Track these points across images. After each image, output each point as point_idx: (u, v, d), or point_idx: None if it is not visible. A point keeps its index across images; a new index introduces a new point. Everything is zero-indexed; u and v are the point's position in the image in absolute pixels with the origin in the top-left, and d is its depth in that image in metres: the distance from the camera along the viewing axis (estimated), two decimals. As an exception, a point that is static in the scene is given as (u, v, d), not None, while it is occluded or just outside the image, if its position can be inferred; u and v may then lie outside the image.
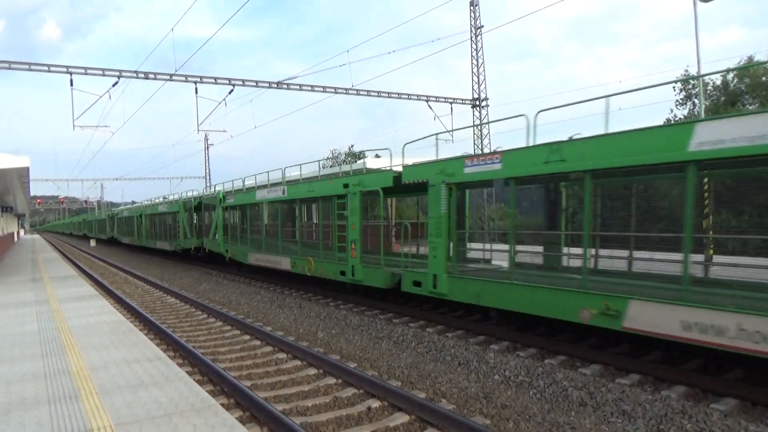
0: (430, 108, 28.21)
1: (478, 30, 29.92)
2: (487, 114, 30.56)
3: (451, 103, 29.20)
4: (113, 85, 21.43)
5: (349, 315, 12.04)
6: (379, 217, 12.80)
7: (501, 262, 10.77)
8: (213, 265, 24.13)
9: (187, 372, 7.04)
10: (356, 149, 52.29)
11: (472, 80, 30.39)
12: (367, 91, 26.67)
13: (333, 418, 6.30)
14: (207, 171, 55.39)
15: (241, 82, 23.63)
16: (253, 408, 6.36)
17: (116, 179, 68.23)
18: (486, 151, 16.46)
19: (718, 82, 26.52)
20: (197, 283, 20.46)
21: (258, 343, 10.25)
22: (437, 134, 11.25)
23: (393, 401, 6.60)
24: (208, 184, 47.28)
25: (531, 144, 8.45)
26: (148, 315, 12.77)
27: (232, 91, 23.37)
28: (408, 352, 9.27)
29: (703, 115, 18.58)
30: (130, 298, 16.46)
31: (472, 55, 30.23)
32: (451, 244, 10.18)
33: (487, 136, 29.80)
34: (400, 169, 11.46)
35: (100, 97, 21.54)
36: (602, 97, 7.82)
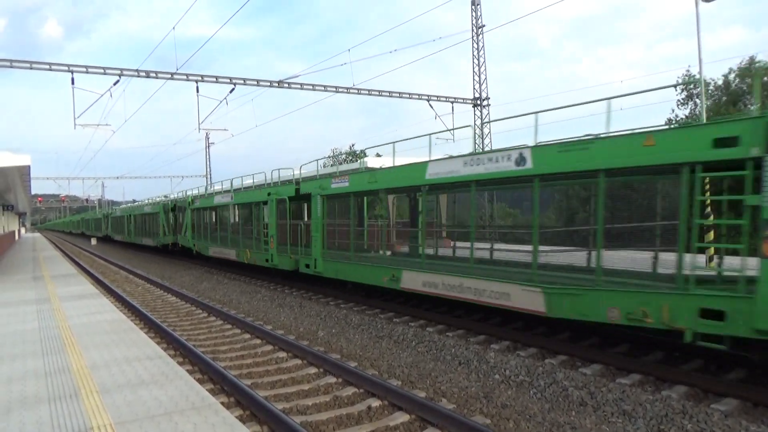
0: (431, 107, 28.23)
1: (480, 29, 29.90)
2: (488, 113, 30.57)
3: (452, 102, 29.19)
4: (114, 84, 21.47)
5: (349, 314, 12.05)
6: (287, 218, 16.46)
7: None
8: (213, 264, 24.19)
9: (187, 370, 7.04)
10: (357, 148, 52.36)
11: (473, 79, 30.40)
12: (369, 90, 26.67)
13: (333, 417, 6.30)
14: (208, 170, 55.41)
15: (242, 81, 23.63)
16: (254, 407, 6.36)
17: (117, 178, 68.29)
18: (486, 149, 18.34)
19: (720, 82, 26.48)
20: (198, 281, 20.47)
21: (258, 341, 10.25)
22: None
23: (393, 400, 6.60)
24: (208, 183, 47.33)
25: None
26: (148, 313, 12.78)
27: (233, 90, 23.37)
28: (408, 352, 9.27)
29: (704, 116, 18.55)
30: (131, 296, 16.47)
31: (473, 55, 30.22)
32: (324, 238, 14.31)
33: (488, 135, 29.79)
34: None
35: (102, 95, 21.58)
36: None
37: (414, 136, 12.80)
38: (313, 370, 8.23)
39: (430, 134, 11.59)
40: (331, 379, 7.69)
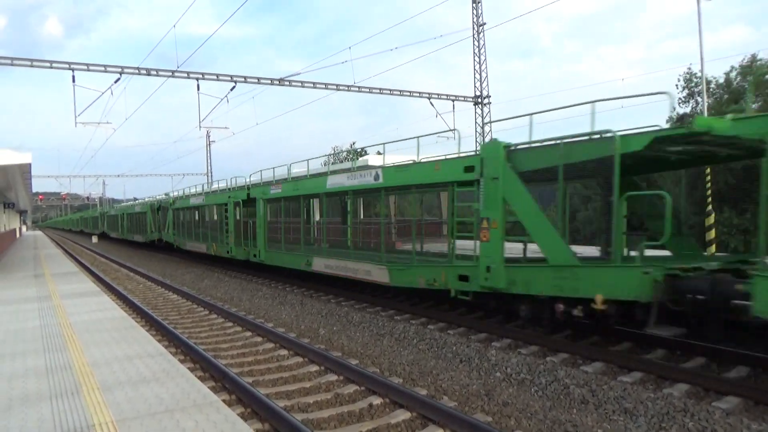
0: (432, 105, 28.20)
1: (481, 27, 29.82)
2: (489, 111, 30.53)
3: (453, 100, 29.15)
4: (115, 82, 21.48)
5: (350, 312, 12.05)
6: (241, 217, 19.65)
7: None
8: (214, 263, 24.20)
9: (188, 368, 7.04)
10: (358, 146, 52.33)
11: (474, 77, 30.34)
12: (369, 88, 26.63)
13: (334, 414, 6.30)
14: (209, 168, 55.41)
15: (243, 79, 23.61)
16: (255, 404, 6.36)
17: (118, 176, 68.48)
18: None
19: (721, 80, 26.43)
20: (199, 279, 20.48)
21: (259, 339, 10.25)
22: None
23: (394, 398, 6.59)
24: (209, 181, 47.41)
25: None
26: (149, 311, 12.79)
27: (234, 87, 23.37)
28: (409, 349, 9.27)
29: (706, 113, 18.51)
30: (132, 294, 16.48)
31: (474, 53, 30.15)
32: (265, 233, 17.62)
33: (489, 133, 29.75)
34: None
35: (102, 93, 21.60)
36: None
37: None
38: (314, 367, 8.23)
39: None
40: (333, 377, 7.69)
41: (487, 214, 9.02)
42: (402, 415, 6.17)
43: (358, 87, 25.81)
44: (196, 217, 25.49)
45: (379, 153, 23.98)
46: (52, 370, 6.24)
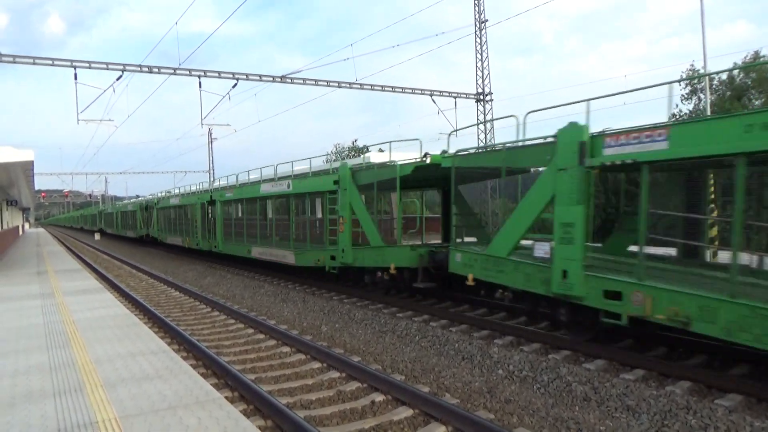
0: (434, 102, 28.12)
1: (483, 24, 29.72)
2: (491, 108, 30.46)
3: (455, 97, 29.07)
4: (117, 79, 21.45)
5: (353, 309, 12.06)
6: (206, 216, 23.59)
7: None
8: (215, 260, 24.24)
9: (191, 365, 7.04)
10: (360, 144, 52.27)
11: (476, 74, 30.27)
12: (371, 85, 26.56)
13: (337, 411, 6.31)
14: (211, 165, 55.46)
15: (245, 77, 23.57)
16: (258, 401, 6.37)
17: (120, 173, 68.55)
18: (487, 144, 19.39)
19: (724, 77, 26.32)
20: (201, 276, 20.52)
21: (262, 336, 10.27)
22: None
23: (397, 395, 6.60)
24: (211, 179, 47.48)
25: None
26: (152, 308, 12.82)
27: (235, 85, 23.31)
28: (412, 347, 9.28)
29: (708, 111, 18.43)
30: (135, 291, 16.52)
31: (476, 50, 30.06)
32: (222, 229, 21.88)
33: (491, 130, 29.70)
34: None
35: (104, 91, 21.59)
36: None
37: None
38: (316, 364, 8.25)
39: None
40: (335, 374, 7.70)
41: (342, 213, 13.17)
42: (404, 412, 6.18)
43: (360, 84, 25.75)
44: (174, 216, 29.64)
45: (381, 150, 23.96)
46: (55, 367, 6.26)
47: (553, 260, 7.92)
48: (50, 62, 20.62)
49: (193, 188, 27.45)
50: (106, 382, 5.62)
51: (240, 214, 21.69)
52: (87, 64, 20.86)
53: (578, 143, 7.55)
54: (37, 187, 43.62)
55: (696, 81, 26.54)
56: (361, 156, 24.11)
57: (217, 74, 23.19)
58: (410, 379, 7.55)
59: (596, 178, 8.84)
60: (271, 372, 8.01)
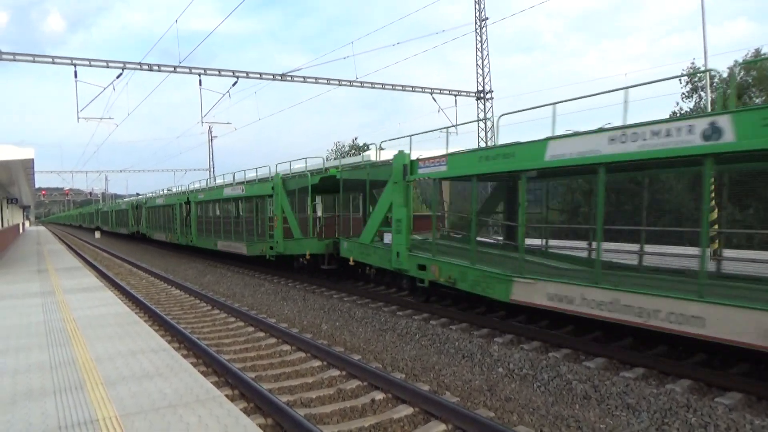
0: (434, 100, 28.09)
1: (483, 22, 29.67)
2: (491, 106, 30.42)
3: (455, 95, 29.03)
4: (117, 77, 21.40)
5: (353, 307, 12.06)
6: (184, 215, 27.01)
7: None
8: (215, 258, 24.27)
9: (191, 363, 7.05)
10: (360, 142, 52.26)
11: (477, 72, 30.23)
12: (371, 83, 26.52)
13: (337, 409, 6.32)
14: (211, 163, 55.43)
15: (245, 74, 23.54)
16: (258, 399, 6.38)
17: (121, 171, 68.45)
18: (489, 144, 19.96)
19: (725, 75, 26.26)
20: (201, 275, 20.52)
21: (262, 334, 10.27)
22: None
23: (397, 393, 6.61)
24: (211, 177, 47.49)
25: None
26: (152, 306, 12.82)
27: (236, 83, 23.27)
28: (412, 345, 9.28)
29: (709, 108, 18.41)
30: (135, 289, 16.52)
31: (476, 48, 30.01)
32: (196, 226, 25.30)
33: (491, 128, 29.64)
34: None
35: (105, 89, 21.53)
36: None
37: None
38: (316, 363, 8.25)
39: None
40: (335, 372, 7.71)
41: (276, 213, 16.77)
42: (404, 411, 6.19)
43: (360, 82, 25.71)
44: (159, 214, 33.07)
45: (382, 149, 23.93)
46: (55, 365, 6.27)
47: (392, 245, 11.83)
48: (50, 60, 20.60)
49: (174, 190, 32.37)
50: (107, 380, 5.63)
51: (209, 213, 24.71)
52: (87, 62, 20.82)
53: (403, 165, 11.42)
54: (37, 185, 43.66)
55: (697, 79, 26.49)
56: (361, 154, 24.06)
57: (217, 72, 23.16)
58: (410, 378, 7.55)
59: (440, 187, 11.95)
60: (271, 370, 8.02)
